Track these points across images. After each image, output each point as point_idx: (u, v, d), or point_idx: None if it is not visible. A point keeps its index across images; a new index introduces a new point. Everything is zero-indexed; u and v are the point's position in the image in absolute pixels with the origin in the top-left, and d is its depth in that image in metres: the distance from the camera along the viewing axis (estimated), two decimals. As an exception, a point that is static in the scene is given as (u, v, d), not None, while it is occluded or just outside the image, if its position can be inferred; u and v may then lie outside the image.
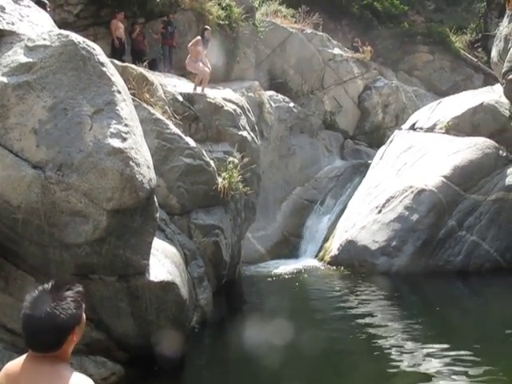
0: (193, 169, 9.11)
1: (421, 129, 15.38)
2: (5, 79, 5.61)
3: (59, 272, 5.64)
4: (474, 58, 24.95)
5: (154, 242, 6.66)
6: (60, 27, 7.04)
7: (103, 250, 5.84)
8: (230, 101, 11.19)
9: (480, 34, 26.24)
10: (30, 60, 5.76)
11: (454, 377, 6.53)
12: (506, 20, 14.91)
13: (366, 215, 13.40)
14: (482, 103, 14.26)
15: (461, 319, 9.40)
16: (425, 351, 7.40)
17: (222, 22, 14.87)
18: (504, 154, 13.33)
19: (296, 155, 17.12)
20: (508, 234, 12.51)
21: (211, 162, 9.48)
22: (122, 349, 6.42)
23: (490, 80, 21.51)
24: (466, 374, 6.59)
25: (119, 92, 6.10)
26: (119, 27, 12.52)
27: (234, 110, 10.92)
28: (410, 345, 7.84)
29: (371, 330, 8.68)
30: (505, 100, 14.20)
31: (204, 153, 9.50)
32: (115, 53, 11.98)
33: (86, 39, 6.16)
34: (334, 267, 13.33)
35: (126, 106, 6.13)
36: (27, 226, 5.49)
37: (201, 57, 11.42)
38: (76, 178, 5.48)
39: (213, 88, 11.72)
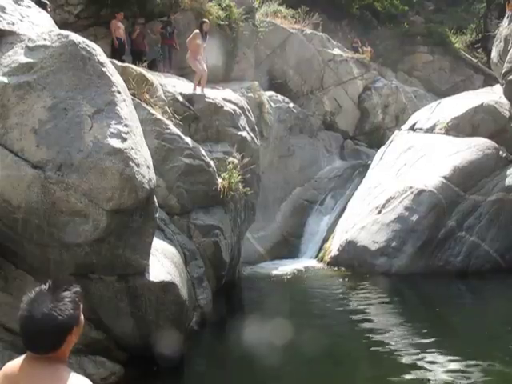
0: (192, 169, 9.12)
1: (421, 129, 15.36)
2: (5, 79, 5.62)
3: (59, 272, 5.65)
4: (473, 59, 24.92)
5: (153, 242, 6.67)
6: (60, 27, 7.05)
7: (103, 250, 5.85)
8: (230, 101, 11.20)
9: (480, 35, 26.21)
10: (31, 60, 5.77)
11: (454, 377, 6.54)
12: (506, 21, 14.93)
13: (366, 216, 13.40)
14: (481, 104, 14.25)
15: (461, 319, 9.39)
16: (424, 351, 7.39)
17: (221, 23, 14.85)
18: (504, 155, 13.33)
19: (296, 155, 17.09)
20: (508, 235, 12.50)
21: (211, 162, 9.49)
22: (121, 349, 6.42)
23: (489, 81, 21.47)
24: (466, 373, 6.60)
25: (119, 92, 6.11)
26: (119, 27, 12.52)
27: (234, 111, 10.93)
28: (409, 345, 7.84)
29: (371, 331, 8.68)
30: (504, 101, 14.20)
31: (204, 153, 9.51)
32: (115, 53, 11.98)
33: (86, 39, 6.18)
34: (334, 268, 13.32)
35: (125, 106, 6.13)
36: (27, 225, 5.49)
37: (200, 51, 11.28)
38: (76, 178, 5.48)
39: (212, 88, 11.71)
